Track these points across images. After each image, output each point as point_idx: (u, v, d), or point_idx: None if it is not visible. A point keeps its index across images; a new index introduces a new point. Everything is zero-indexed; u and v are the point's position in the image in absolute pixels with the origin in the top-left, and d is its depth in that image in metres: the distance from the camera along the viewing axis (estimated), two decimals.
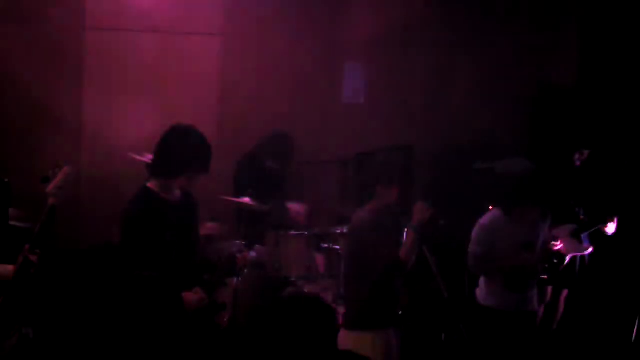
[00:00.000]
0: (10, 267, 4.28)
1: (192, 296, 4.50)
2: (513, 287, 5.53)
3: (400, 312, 5.01)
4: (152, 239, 4.40)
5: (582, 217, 6.85)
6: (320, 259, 6.68)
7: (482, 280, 5.68)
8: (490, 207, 6.92)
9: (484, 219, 5.64)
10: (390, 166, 4.85)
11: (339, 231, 6.57)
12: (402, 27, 8.13)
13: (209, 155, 4.58)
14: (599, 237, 6.88)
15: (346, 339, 4.80)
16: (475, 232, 5.62)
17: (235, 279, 6.21)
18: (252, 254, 6.57)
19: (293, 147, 6.98)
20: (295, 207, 7.06)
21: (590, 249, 6.85)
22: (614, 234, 6.86)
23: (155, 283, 4.38)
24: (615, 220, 6.78)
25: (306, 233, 6.70)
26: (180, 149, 4.51)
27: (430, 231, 4.70)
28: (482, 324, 5.52)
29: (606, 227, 6.78)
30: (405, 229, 4.81)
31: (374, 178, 4.86)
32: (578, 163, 7.05)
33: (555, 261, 6.48)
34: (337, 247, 6.59)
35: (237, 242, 6.49)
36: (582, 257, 6.91)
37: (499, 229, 5.55)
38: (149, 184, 4.56)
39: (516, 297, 5.56)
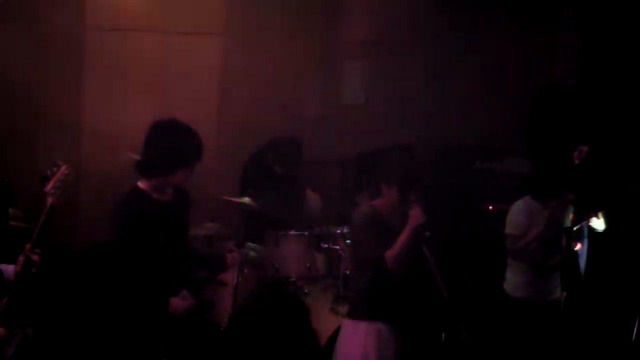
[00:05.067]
0: (10, 267, 4.28)
1: (178, 302, 4.45)
2: (541, 276, 5.67)
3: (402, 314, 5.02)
4: (144, 240, 4.33)
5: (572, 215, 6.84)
6: (320, 259, 6.68)
7: (509, 272, 5.79)
8: (490, 207, 6.94)
9: (518, 203, 5.78)
10: (393, 166, 4.86)
11: (339, 231, 6.57)
12: (402, 27, 8.14)
13: (198, 143, 4.43)
14: (597, 235, 6.87)
15: (345, 327, 4.91)
16: (510, 216, 5.76)
17: (235, 279, 6.21)
18: (252, 254, 6.58)
19: (301, 152, 6.97)
20: (311, 195, 7.09)
21: (579, 246, 6.82)
22: (613, 231, 6.83)
23: (147, 280, 4.33)
24: (600, 215, 6.75)
25: (306, 233, 6.70)
26: (170, 146, 4.36)
27: (416, 239, 4.70)
28: (512, 315, 5.67)
29: (589, 222, 6.75)
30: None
31: (377, 177, 4.88)
32: (577, 161, 7.05)
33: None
34: (337, 247, 6.60)
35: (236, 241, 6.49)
36: (576, 257, 6.89)
37: (532, 213, 5.69)
38: (140, 184, 4.44)
39: (542, 286, 5.71)
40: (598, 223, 6.62)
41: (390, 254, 4.68)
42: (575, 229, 6.67)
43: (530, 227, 5.69)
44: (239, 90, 7.96)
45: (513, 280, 5.80)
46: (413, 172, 4.85)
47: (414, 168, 4.89)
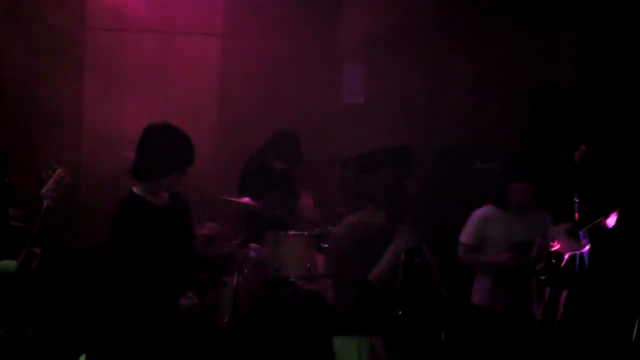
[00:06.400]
0: (12, 263, 4.28)
1: (184, 301, 4.46)
2: (503, 287, 5.51)
3: (400, 312, 4.99)
4: (141, 246, 4.34)
5: (577, 214, 6.85)
6: (320, 259, 6.68)
7: (475, 279, 5.69)
8: None
9: (477, 212, 5.65)
10: (378, 186, 4.74)
11: None
12: (402, 27, 8.14)
13: (190, 148, 4.45)
14: (598, 236, 6.88)
15: (335, 345, 4.81)
16: (466, 224, 5.64)
17: (235, 279, 6.21)
18: (252, 253, 6.58)
19: (300, 147, 6.97)
20: (304, 201, 7.08)
21: (588, 246, 6.84)
22: (613, 231, 6.85)
23: (149, 282, 4.35)
24: (616, 212, 6.76)
25: (306, 233, 6.70)
26: (163, 149, 4.39)
27: (407, 261, 4.63)
28: (473, 322, 5.51)
29: (607, 219, 6.76)
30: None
31: (362, 193, 4.77)
32: (576, 160, 7.06)
33: (553, 261, 6.48)
34: None
35: (236, 242, 6.49)
36: (582, 257, 6.91)
37: (492, 222, 5.56)
38: (134, 189, 4.46)
39: (507, 298, 5.53)
40: (610, 220, 6.64)
41: (373, 274, 4.57)
42: (584, 230, 6.70)
43: (486, 236, 5.54)
44: (239, 90, 7.96)
45: (475, 286, 5.68)
46: (398, 191, 4.74)
47: (399, 187, 4.76)
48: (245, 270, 6.34)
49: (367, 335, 4.70)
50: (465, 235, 5.61)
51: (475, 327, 5.51)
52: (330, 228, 6.73)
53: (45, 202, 4.25)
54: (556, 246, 6.50)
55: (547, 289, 6.92)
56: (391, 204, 4.64)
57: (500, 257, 5.47)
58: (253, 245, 6.62)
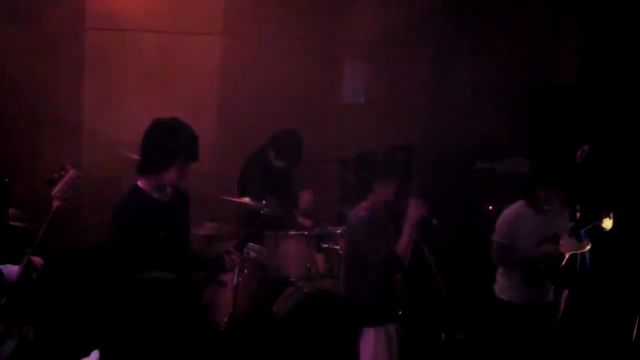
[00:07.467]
0: (15, 268, 4.27)
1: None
2: (532, 281, 5.56)
3: (400, 312, 5.01)
4: (143, 240, 4.33)
5: (578, 214, 6.85)
6: (320, 259, 6.68)
7: (499, 274, 5.71)
8: (490, 207, 6.92)
9: (508, 210, 5.69)
10: (388, 164, 4.86)
11: (339, 231, 6.56)
12: (402, 27, 8.14)
13: (195, 143, 4.45)
14: (598, 236, 6.87)
15: None
16: (498, 223, 5.66)
17: (235, 279, 6.21)
18: (252, 253, 6.58)
19: (301, 145, 6.96)
20: (305, 196, 7.08)
21: (589, 246, 6.83)
22: (614, 231, 6.84)
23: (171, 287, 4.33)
24: (611, 215, 6.76)
25: (306, 233, 6.70)
26: (164, 141, 4.40)
27: (423, 230, 4.70)
28: (499, 317, 5.56)
29: (602, 223, 6.76)
30: (403, 226, 4.80)
31: (372, 175, 4.87)
32: (579, 160, 7.06)
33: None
34: (337, 247, 6.59)
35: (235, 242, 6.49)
36: (583, 257, 6.90)
37: (523, 221, 5.60)
38: (139, 183, 4.47)
39: (533, 291, 5.62)
40: (607, 222, 6.63)
41: (399, 249, 4.66)
42: (585, 230, 6.69)
43: (519, 234, 5.59)
44: (239, 90, 7.95)
45: (500, 282, 5.71)
46: (407, 167, 4.86)
47: (407, 163, 4.88)
48: (245, 270, 6.34)
49: (382, 324, 4.73)
50: (499, 234, 5.63)
51: (502, 322, 5.60)
52: (330, 228, 6.74)
53: (55, 203, 4.23)
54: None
55: None
56: (400, 179, 4.74)
57: (543, 249, 5.50)
58: (253, 245, 6.61)
